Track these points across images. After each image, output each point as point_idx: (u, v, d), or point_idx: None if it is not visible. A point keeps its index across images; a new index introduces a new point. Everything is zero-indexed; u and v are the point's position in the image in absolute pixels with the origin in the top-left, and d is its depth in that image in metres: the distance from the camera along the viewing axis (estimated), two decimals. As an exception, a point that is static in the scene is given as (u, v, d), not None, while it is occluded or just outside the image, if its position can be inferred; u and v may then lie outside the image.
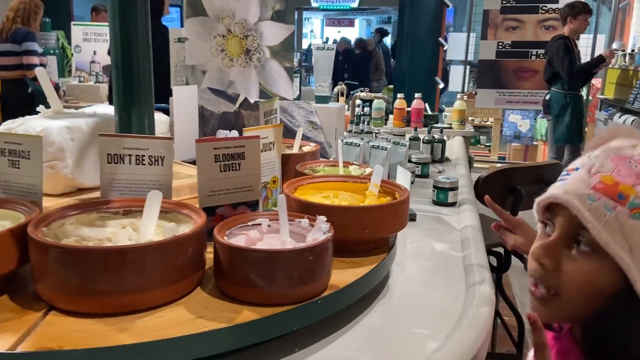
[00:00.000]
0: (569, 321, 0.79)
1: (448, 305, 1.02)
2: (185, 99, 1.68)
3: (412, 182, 1.96)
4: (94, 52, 5.76)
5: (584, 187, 0.71)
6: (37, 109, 1.33)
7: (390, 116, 3.23)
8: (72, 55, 5.96)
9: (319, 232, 0.94)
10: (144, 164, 1.04)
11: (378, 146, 1.63)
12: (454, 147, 2.83)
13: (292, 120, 1.76)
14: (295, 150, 1.58)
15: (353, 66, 8.97)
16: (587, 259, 0.70)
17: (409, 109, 3.09)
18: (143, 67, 1.16)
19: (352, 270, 1.00)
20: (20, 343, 0.71)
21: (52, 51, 5.74)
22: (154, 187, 1.06)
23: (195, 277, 0.87)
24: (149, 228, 0.87)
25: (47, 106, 1.35)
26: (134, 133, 1.16)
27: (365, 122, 3.12)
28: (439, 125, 3.14)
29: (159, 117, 1.47)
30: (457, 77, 7.49)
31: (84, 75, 5.67)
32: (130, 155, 1.03)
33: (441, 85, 8.22)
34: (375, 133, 2.42)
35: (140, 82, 1.16)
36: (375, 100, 3.09)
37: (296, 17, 19.97)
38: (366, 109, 3.35)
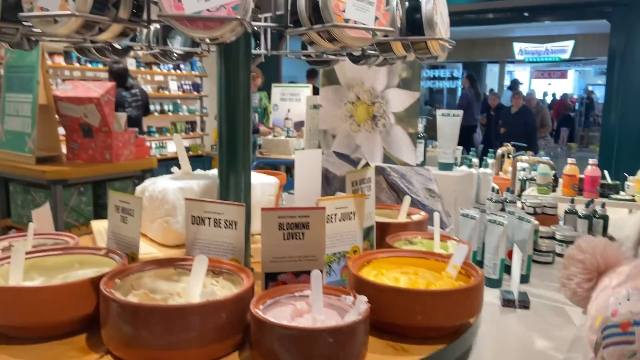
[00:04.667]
0: None
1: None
2: (307, 161, 1.78)
3: (551, 263, 1.75)
4: (288, 110, 6.43)
5: None
6: (172, 169, 1.56)
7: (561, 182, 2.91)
8: (270, 112, 6.73)
9: (356, 313, 0.91)
10: (221, 227, 1.14)
11: (495, 221, 1.50)
12: (633, 225, 2.42)
13: (410, 186, 1.73)
14: (401, 218, 1.55)
15: (509, 124, 8.26)
16: None
17: (582, 175, 2.75)
18: (243, 137, 1.28)
19: (397, 358, 0.93)
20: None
21: (256, 110, 6.58)
22: (229, 249, 1.15)
23: (230, 342, 0.92)
24: (194, 289, 0.95)
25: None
26: (231, 195, 1.28)
27: (524, 189, 2.87)
28: (619, 197, 2.72)
29: (268, 179, 1.59)
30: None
31: (278, 130, 6.33)
32: (209, 218, 1.14)
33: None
34: (522, 202, 2.22)
35: (239, 149, 1.28)
36: (540, 165, 2.82)
37: (497, 69, 19.43)
38: (533, 174, 3.08)
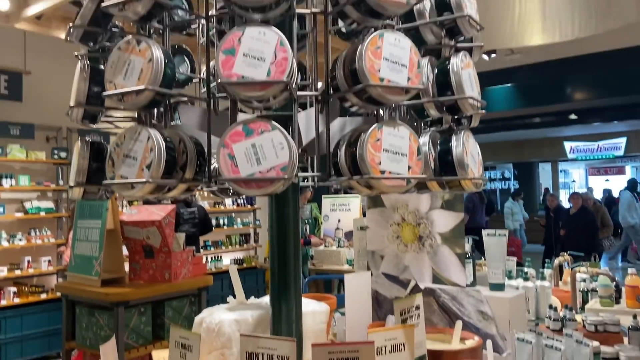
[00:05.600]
0: None
1: None
2: (357, 284, 1.82)
3: (618, 387, 1.65)
4: (339, 220, 6.55)
5: None
6: (228, 299, 1.64)
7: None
8: (321, 223, 6.87)
9: None
10: (273, 363, 1.18)
11: (552, 346, 1.46)
12: None
13: (462, 309, 1.72)
14: (454, 344, 1.54)
15: (569, 225, 7.98)
16: None
17: (646, 285, 2.63)
18: (294, 270, 1.36)
19: None
20: None
21: (306, 220, 6.74)
22: (281, 384, 1.18)
23: None
24: None
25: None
26: (283, 327, 1.33)
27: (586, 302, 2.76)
28: (690, 306, 2.56)
29: (319, 307, 1.63)
30: None
31: (329, 240, 6.42)
32: (262, 353, 1.19)
33: None
34: (583, 320, 2.13)
35: (290, 282, 1.35)
36: (600, 277, 2.72)
37: (550, 169, 19.17)
38: (594, 284, 2.96)
